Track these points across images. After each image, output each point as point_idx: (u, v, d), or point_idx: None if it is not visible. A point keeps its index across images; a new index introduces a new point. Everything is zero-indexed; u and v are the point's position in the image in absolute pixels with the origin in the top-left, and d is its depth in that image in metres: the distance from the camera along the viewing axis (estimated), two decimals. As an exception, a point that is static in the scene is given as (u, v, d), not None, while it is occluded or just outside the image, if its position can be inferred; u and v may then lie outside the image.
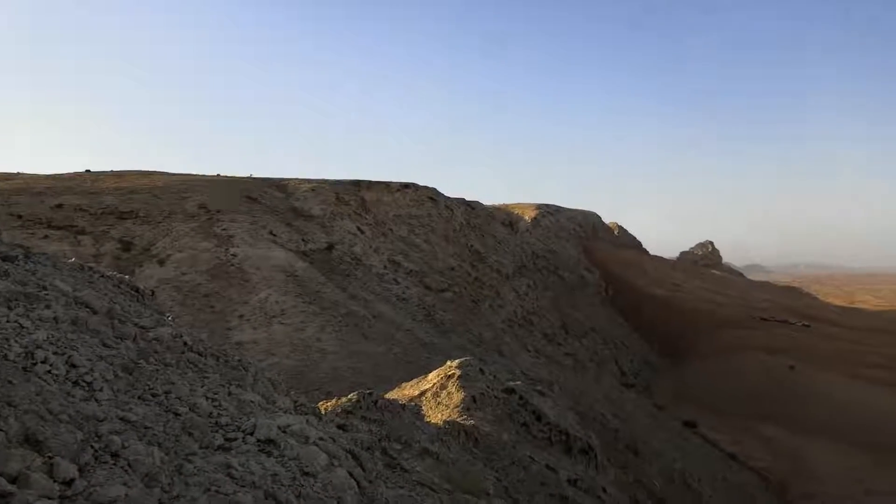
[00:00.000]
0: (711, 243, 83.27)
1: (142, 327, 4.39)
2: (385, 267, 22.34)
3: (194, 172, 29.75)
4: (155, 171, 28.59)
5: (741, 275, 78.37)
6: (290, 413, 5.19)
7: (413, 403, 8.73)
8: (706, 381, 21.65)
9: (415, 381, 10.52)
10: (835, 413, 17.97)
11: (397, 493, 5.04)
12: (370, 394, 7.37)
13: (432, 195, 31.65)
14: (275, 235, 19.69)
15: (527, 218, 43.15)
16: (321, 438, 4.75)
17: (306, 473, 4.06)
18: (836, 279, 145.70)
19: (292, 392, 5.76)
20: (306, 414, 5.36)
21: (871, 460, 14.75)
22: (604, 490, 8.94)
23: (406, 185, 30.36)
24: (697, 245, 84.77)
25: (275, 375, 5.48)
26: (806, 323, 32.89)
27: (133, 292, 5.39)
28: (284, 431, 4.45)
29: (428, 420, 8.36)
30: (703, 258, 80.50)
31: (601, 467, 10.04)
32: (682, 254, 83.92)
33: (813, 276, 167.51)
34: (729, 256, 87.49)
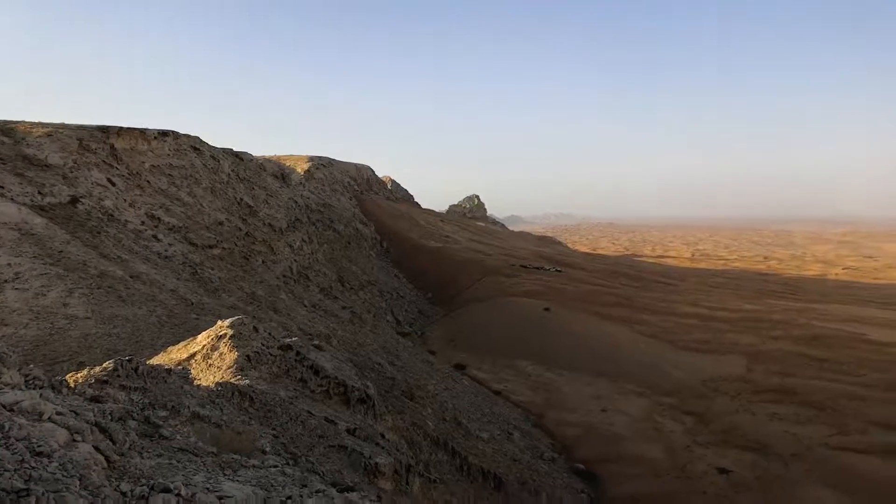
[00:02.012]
0: (477, 197, 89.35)
1: None
2: (143, 223, 20.44)
3: None
4: None
5: (503, 226, 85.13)
6: (20, 388, 4.57)
7: (181, 367, 8.37)
8: (474, 327, 23.40)
9: (182, 343, 9.99)
10: (581, 348, 20.58)
11: (154, 463, 4.79)
12: (129, 360, 6.88)
13: (195, 144, 29.44)
14: (2, 188, 16.87)
15: (299, 170, 42.34)
16: (59, 413, 4.35)
17: (39, 454, 3.66)
18: (583, 229, 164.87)
19: (29, 366, 5.08)
20: (41, 388, 4.78)
21: (608, 385, 17.17)
22: (382, 436, 9.43)
23: (164, 133, 27.76)
24: (465, 198, 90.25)
25: (3, 348, 4.78)
26: (558, 269, 37.05)
27: None
28: (11, 410, 3.93)
29: (199, 383, 8.00)
30: (471, 211, 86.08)
31: (379, 415, 10.54)
32: (451, 207, 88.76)
33: (563, 226, 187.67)
34: (492, 208, 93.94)
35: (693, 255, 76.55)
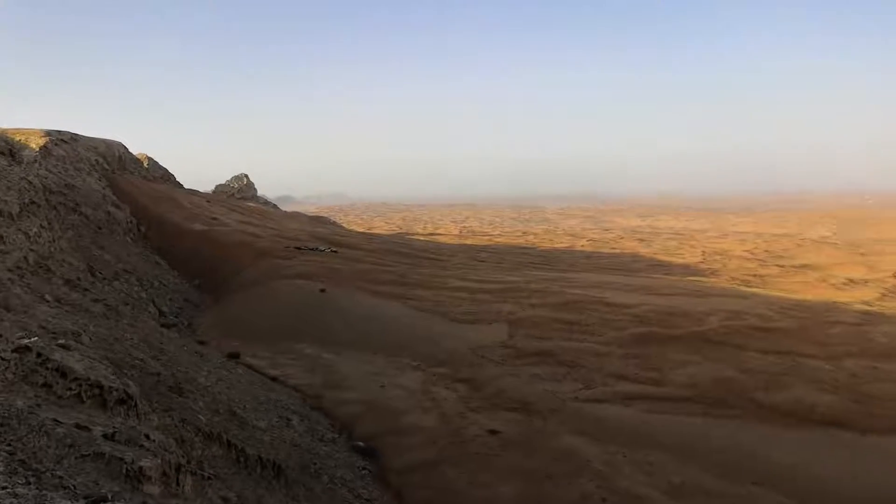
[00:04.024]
0: (246, 176, 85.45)
1: None
2: None
3: None
4: None
5: (275, 206, 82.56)
6: None
7: None
8: (248, 313, 22.57)
9: None
10: (358, 326, 20.87)
11: None
12: None
13: None
14: None
15: (33, 146, 36.77)
16: None
17: None
18: (357, 209, 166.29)
19: None
20: None
21: (386, 361, 17.61)
22: (147, 437, 8.68)
23: None
24: (233, 178, 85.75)
25: None
26: (334, 249, 36.95)
27: None
28: None
29: None
30: (239, 191, 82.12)
31: (143, 415, 9.69)
32: (218, 186, 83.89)
33: (337, 207, 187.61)
34: (264, 188, 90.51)
35: (461, 233, 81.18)
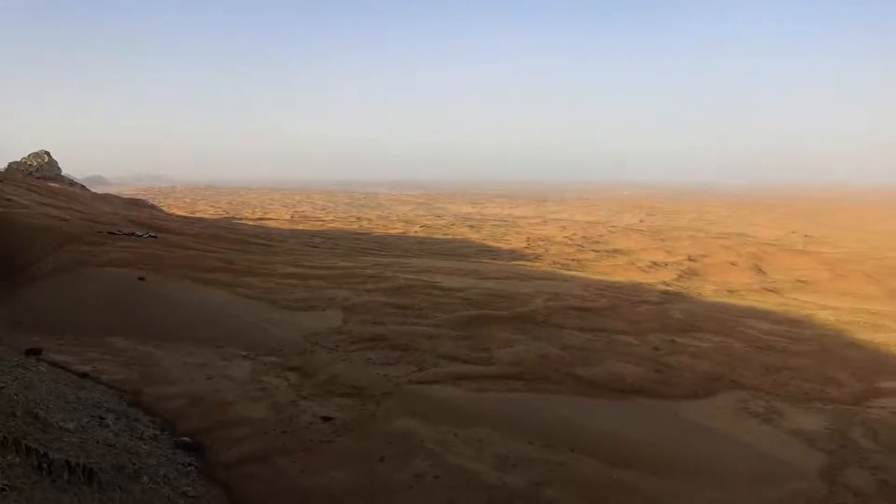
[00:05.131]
0: (48, 153, 76.96)
1: None
2: None
3: None
4: None
5: (83, 187, 75.43)
6: None
7: None
8: (52, 304, 20.49)
9: None
10: (182, 316, 19.80)
11: None
12: None
13: None
14: None
15: None
16: None
17: None
18: (179, 191, 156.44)
19: None
20: None
21: (213, 351, 16.91)
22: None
23: None
24: (31, 155, 76.82)
25: None
26: (153, 234, 34.59)
27: None
28: None
29: None
30: (39, 169, 73.86)
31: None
32: (12, 164, 74.82)
33: (157, 189, 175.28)
34: (69, 168, 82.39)
35: (293, 217, 79.09)
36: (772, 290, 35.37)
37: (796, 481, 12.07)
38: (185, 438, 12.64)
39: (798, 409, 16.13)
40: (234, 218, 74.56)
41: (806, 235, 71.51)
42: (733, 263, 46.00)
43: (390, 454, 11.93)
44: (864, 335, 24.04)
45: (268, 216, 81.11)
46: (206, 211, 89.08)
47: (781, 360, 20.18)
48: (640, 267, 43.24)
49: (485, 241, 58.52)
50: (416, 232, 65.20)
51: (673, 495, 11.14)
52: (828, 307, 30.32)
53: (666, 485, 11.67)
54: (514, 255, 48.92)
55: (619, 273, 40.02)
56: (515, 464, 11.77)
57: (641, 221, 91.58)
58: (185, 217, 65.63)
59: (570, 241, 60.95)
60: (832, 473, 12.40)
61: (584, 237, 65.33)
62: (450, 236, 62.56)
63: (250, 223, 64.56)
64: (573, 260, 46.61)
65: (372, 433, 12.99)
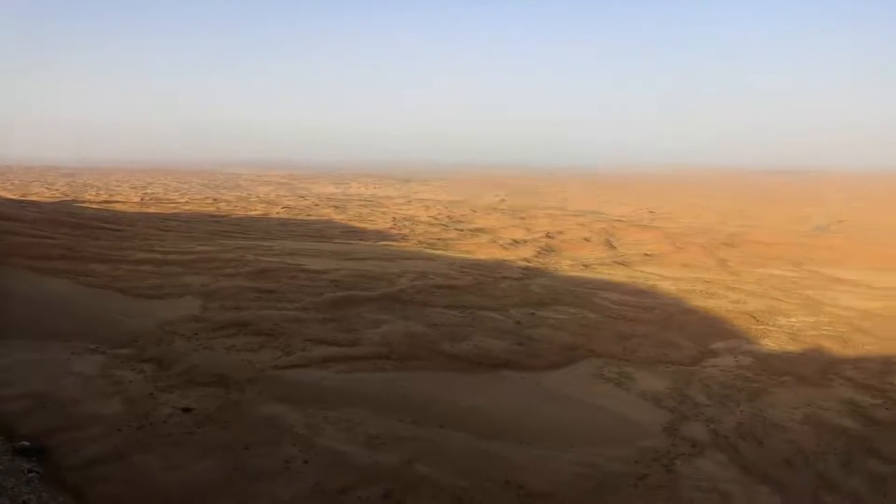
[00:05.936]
0: None
1: None
2: None
3: None
4: None
5: None
6: None
7: None
8: None
9: None
10: (20, 310, 18.18)
11: None
12: None
13: None
14: None
15: None
16: None
17: None
18: (9, 172, 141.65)
19: None
20: None
21: (60, 347, 15.71)
22: None
23: None
24: None
25: None
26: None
27: None
28: None
29: None
30: None
31: None
32: None
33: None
34: None
35: (143, 200, 74.21)
36: (621, 264, 38.20)
37: (645, 439, 13.27)
38: (25, 443, 11.63)
39: (646, 372, 17.68)
40: (74, 201, 68.66)
41: (651, 212, 77.88)
42: (587, 239, 49.18)
43: (257, 441, 11.68)
44: (699, 302, 26.64)
45: (114, 199, 75.40)
46: (42, 193, 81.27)
47: (631, 329, 21.94)
48: (501, 245, 45.06)
49: (350, 222, 58.24)
50: (278, 213, 63.49)
51: (537, 461, 11.86)
52: (669, 277, 33.27)
53: (531, 452, 12.38)
54: (380, 235, 49.14)
55: (482, 251, 41.49)
56: (386, 442, 11.96)
57: (502, 201, 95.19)
58: (17, 200, 59.63)
59: (434, 221, 62.16)
60: (674, 428, 13.78)
61: (449, 217, 66.84)
62: (314, 217, 61.58)
63: (94, 207, 59.85)
64: (438, 239, 47.68)
65: (236, 422, 12.64)
